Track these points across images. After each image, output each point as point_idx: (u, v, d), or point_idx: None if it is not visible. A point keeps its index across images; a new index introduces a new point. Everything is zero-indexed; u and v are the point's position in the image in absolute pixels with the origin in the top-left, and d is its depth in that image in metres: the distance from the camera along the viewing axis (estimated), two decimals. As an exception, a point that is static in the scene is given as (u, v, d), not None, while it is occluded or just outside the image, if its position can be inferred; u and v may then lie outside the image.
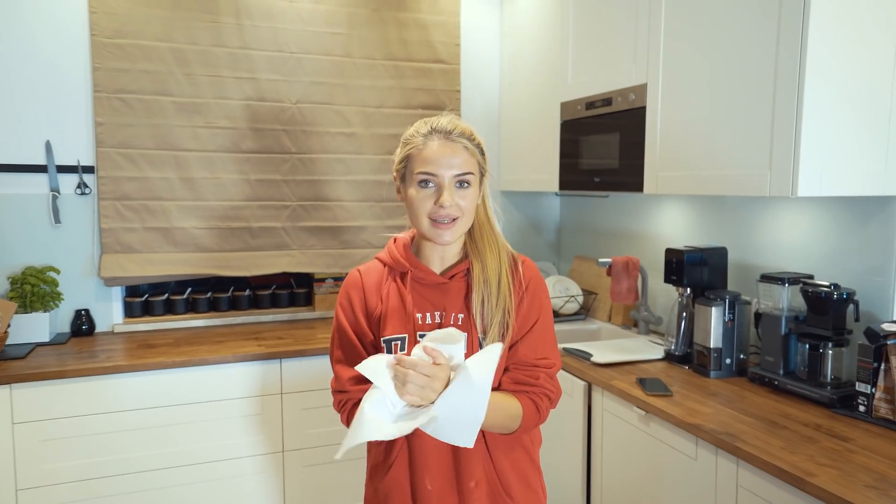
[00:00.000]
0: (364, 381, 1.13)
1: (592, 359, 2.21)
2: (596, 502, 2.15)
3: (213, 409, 2.36)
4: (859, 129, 1.67)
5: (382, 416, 1.05)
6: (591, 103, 2.44)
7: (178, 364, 2.30)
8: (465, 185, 1.22)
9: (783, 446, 1.54)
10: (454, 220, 1.21)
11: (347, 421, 1.23)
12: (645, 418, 1.89)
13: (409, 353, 1.09)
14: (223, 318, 2.87)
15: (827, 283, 1.82)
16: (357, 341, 1.26)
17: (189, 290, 2.90)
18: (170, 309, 2.84)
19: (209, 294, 2.89)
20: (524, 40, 2.95)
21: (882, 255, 1.81)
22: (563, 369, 2.26)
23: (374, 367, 1.05)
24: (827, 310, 1.81)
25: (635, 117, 2.20)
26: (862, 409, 1.72)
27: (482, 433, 1.22)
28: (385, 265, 1.31)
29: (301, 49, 2.80)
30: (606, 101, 2.35)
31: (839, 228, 1.93)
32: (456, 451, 1.23)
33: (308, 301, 3.05)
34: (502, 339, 1.22)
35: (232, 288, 2.96)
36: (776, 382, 1.93)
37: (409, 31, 2.96)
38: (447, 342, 1.07)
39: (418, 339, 1.19)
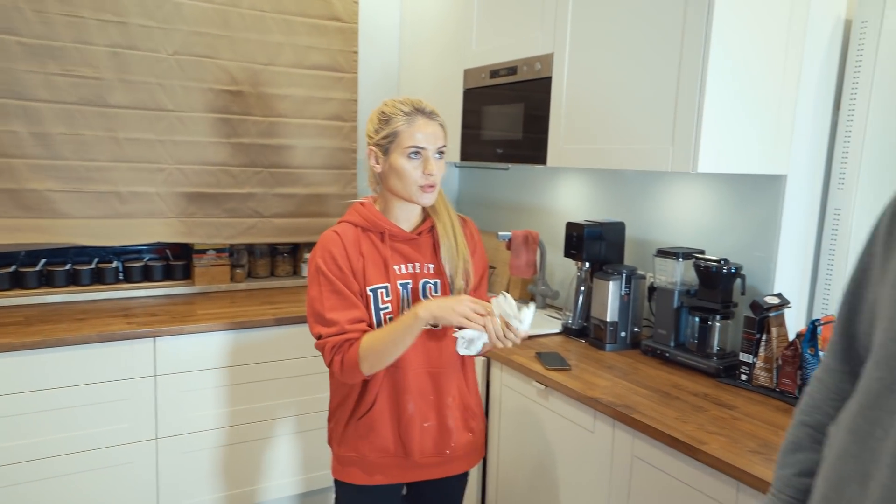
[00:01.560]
0: (359, 322, 1.43)
1: (492, 334, 2.22)
2: (492, 476, 2.18)
3: (73, 395, 2.13)
4: (754, 111, 1.76)
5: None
6: (495, 72, 2.41)
7: (29, 345, 2.05)
8: (441, 155, 1.50)
9: (676, 416, 1.61)
10: (433, 185, 1.48)
11: (341, 365, 1.42)
12: (544, 392, 1.92)
13: (393, 297, 1.48)
14: (85, 293, 2.59)
15: (717, 258, 1.92)
16: (347, 290, 1.45)
17: (43, 261, 2.60)
18: (18, 283, 2.53)
19: (68, 266, 2.60)
20: (427, 1, 2.87)
21: (766, 231, 1.92)
22: (463, 345, 2.26)
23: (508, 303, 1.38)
24: (716, 284, 1.91)
25: (541, 88, 2.20)
26: (744, 377, 1.83)
27: (461, 358, 1.57)
28: (357, 226, 1.51)
29: (179, -7, 2.56)
30: (511, 69, 2.33)
31: (729, 205, 2.04)
32: (434, 374, 1.52)
33: (186, 274, 2.84)
34: (465, 282, 1.55)
35: (96, 259, 2.69)
36: (667, 354, 2.02)
37: (302, -18, 2.79)
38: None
39: (398, 286, 1.49)
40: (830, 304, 1.91)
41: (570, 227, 2.25)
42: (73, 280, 2.61)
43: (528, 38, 2.26)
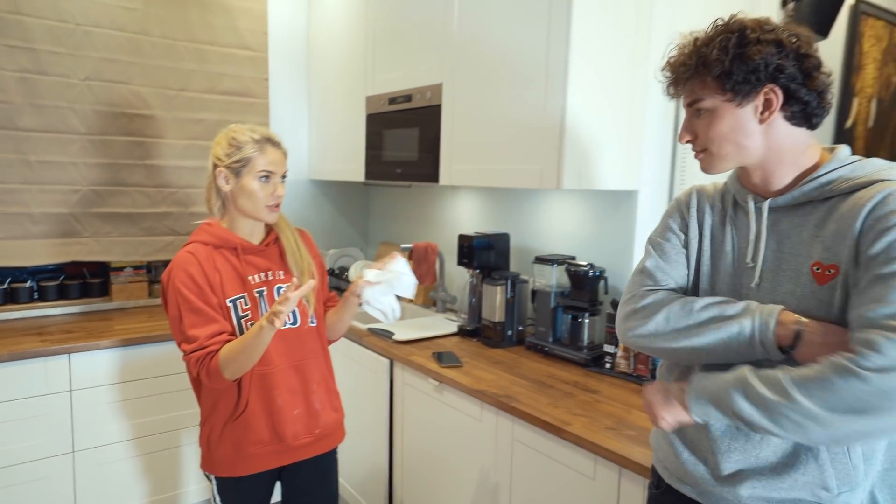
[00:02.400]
0: (218, 335, 1.47)
1: (394, 337, 2.30)
2: (397, 464, 2.25)
3: (-14, 412, 2.07)
4: (608, 138, 1.92)
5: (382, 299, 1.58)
6: (393, 98, 2.50)
7: (-62, 366, 1.97)
8: (285, 179, 1.60)
9: (549, 402, 1.74)
10: (279, 203, 1.58)
11: (207, 375, 1.46)
12: (439, 388, 2.01)
13: (252, 305, 1.55)
14: (-1, 312, 2.51)
15: (585, 263, 2.08)
16: (206, 306, 1.48)
17: (-47, 282, 2.49)
18: (-72, 305, 2.41)
19: (-21, 287, 2.50)
20: (331, 34, 2.93)
21: (624, 238, 2.10)
22: (369, 348, 2.32)
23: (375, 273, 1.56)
24: (584, 285, 2.07)
25: (432, 114, 2.31)
26: (608, 366, 1.99)
27: (321, 348, 1.68)
28: (208, 245, 1.55)
29: (89, 21, 2.51)
30: (407, 97, 2.43)
31: (594, 217, 2.21)
32: (297, 366, 1.60)
33: (104, 291, 2.77)
34: (312, 279, 1.59)
35: (9, 279, 2.59)
36: (546, 349, 2.16)
37: (213, 14, 2.79)
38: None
39: (255, 294, 1.55)
40: (680, 300, 2.10)
41: (462, 238, 2.37)
42: (-16, 301, 2.51)
43: (420, 69, 2.37)
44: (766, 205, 1.02)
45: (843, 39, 2.71)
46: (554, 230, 2.37)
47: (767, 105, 0.96)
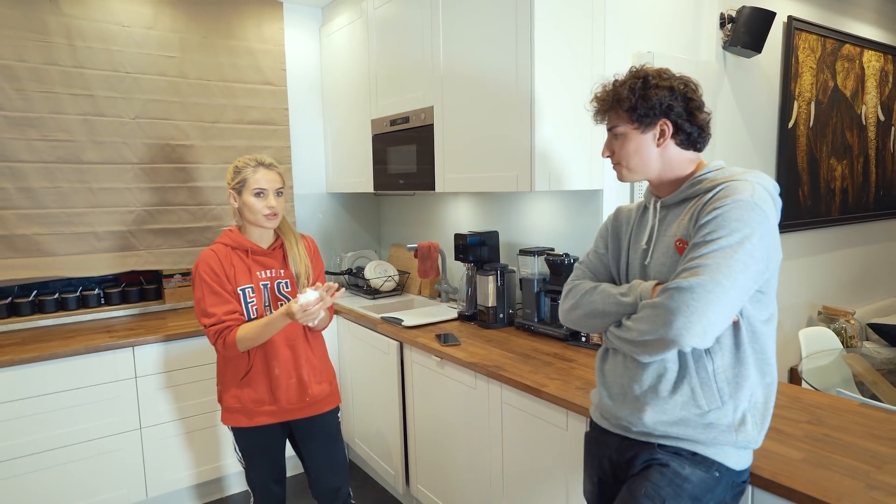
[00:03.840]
0: (233, 313, 1.71)
1: (403, 323, 2.44)
2: (411, 430, 2.39)
3: (67, 398, 2.25)
4: (572, 144, 2.05)
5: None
6: (394, 120, 2.65)
7: (27, 360, 2.16)
8: (280, 194, 1.80)
9: (531, 370, 1.86)
10: (275, 214, 1.78)
11: (224, 345, 1.71)
12: (441, 363, 2.15)
13: (257, 294, 1.76)
14: (72, 316, 2.70)
15: (561, 253, 2.20)
16: (222, 290, 1.72)
17: (35, 292, 2.68)
18: (14, 311, 2.61)
19: (56, 295, 2.69)
20: (340, 67, 3.09)
21: (594, 230, 2.21)
22: (383, 334, 2.47)
23: (306, 295, 1.62)
24: (561, 272, 2.19)
25: (426, 132, 2.45)
26: (584, 339, 2.12)
27: (305, 335, 1.86)
28: (227, 246, 1.78)
29: (136, 70, 2.70)
30: (405, 119, 2.58)
31: (568, 213, 2.33)
32: (291, 345, 1.82)
33: (158, 295, 2.96)
34: (308, 279, 1.86)
35: (80, 288, 2.79)
36: (532, 327, 2.29)
37: (239, 56, 2.97)
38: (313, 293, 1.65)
39: (260, 286, 1.77)
40: (642, 281, 2.22)
41: (458, 237, 2.50)
42: (61, 306, 2.70)
43: (415, 94, 2.51)
44: (658, 203, 1.23)
45: (780, 52, 2.82)
46: (535, 226, 2.50)
47: (662, 134, 1.18)
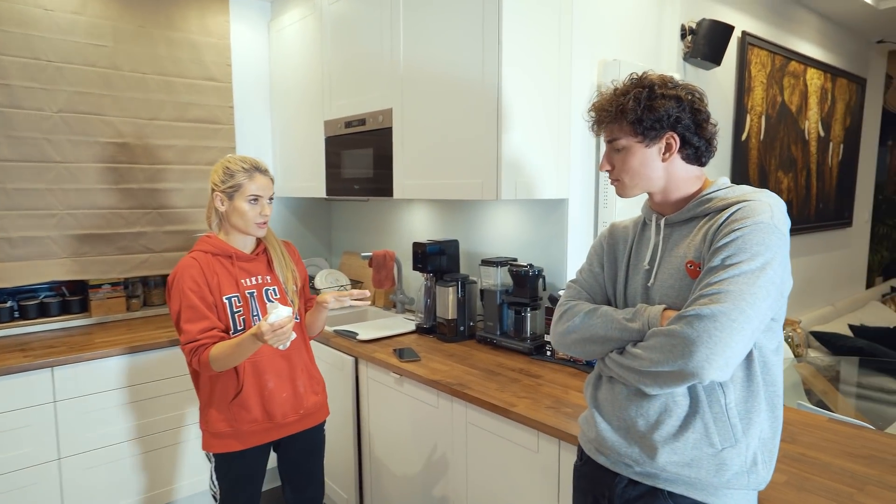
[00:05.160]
0: (209, 330, 1.58)
1: (358, 337, 2.31)
2: (366, 453, 2.26)
3: (-28, 427, 1.98)
4: (539, 153, 1.99)
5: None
6: (349, 122, 2.52)
7: (-78, 386, 1.88)
8: (272, 200, 1.71)
9: (497, 388, 1.78)
10: (267, 221, 1.70)
11: (198, 363, 1.57)
12: (399, 380, 2.04)
13: (244, 303, 1.66)
14: (-20, 332, 2.40)
15: (525, 264, 2.14)
16: (201, 304, 1.60)
17: (-66, 306, 2.37)
18: None
19: (-39, 309, 2.39)
20: (290, 64, 2.93)
21: (558, 240, 2.17)
22: (336, 348, 2.33)
23: (278, 312, 1.44)
24: (525, 283, 2.13)
25: (384, 135, 2.34)
26: (549, 353, 2.06)
27: (303, 341, 1.79)
28: (208, 253, 1.66)
29: (61, 58, 2.44)
30: (361, 121, 2.45)
31: (533, 223, 2.28)
32: (285, 355, 1.71)
33: (84, 308, 2.69)
34: (295, 285, 1.77)
35: (-10, 301, 2.49)
36: (494, 341, 2.21)
37: (180, 49, 2.75)
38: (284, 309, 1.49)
39: (246, 294, 1.67)
40: (607, 293, 2.18)
41: (416, 245, 2.40)
42: (-34, 322, 2.40)
43: (372, 95, 2.39)
44: (662, 221, 1.15)
45: (734, 66, 2.88)
46: (498, 235, 2.43)
47: (668, 148, 1.10)
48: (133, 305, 2.78)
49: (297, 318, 1.74)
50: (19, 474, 2.08)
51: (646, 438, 1.07)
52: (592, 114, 1.16)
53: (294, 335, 1.50)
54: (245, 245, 1.73)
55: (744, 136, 3.00)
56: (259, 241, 1.77)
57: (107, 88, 2.57)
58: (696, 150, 1.10)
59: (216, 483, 1.71)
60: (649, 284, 1.13)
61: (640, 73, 1.13)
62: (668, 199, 1.14)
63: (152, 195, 2.73)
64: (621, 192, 1.16)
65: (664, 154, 1.10)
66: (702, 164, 1.13)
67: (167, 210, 2.77)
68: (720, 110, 2.85)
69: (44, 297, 2.59)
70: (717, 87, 2.80)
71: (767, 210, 0.99)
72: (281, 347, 1.47)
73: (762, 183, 3.20)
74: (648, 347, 1.02)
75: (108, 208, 2.62)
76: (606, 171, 1.17)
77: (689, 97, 1.09)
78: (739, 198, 1.05)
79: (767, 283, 0.95)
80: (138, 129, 2.67)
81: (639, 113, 1.07)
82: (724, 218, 1.02)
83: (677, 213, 1.12)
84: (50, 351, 2.22)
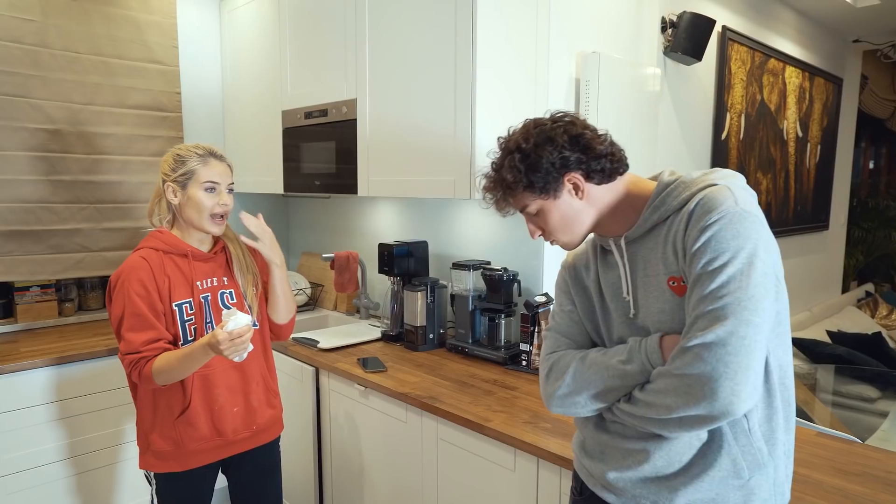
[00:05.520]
0: (155, 342, 1.48)
1: (319, 345, 2.24)
2: (327, 470, 2.19)
3: None
4: (515, 146, 1.96)
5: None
6: (309, 113, 2.44)
7: None
8: (232, 191, 1.61)
9: (470, 401, 1.74)
10: (225, 216, 1.59)
11: (139, 376, 1.48)
12: (364, 393, 1.98)
13: (197, 310, 1.56)
14: None
15: (499, 268, 2.10)
16: (148, 311, 1.49)
17: None
18: None
19: None
20: (244, 48, 2.82)
21: (536, 243, 2.15)
22: (294, 357, 2.25)
23: (237, 320, 1.36)
24: (500, 288, 2.09)
25: (348, 128, 2.27)
26: (524, 363, 2.03)
27: (262, 349, 1.70)
28: (160, 251, 1.55)
29: (-19, 33, 2.29)
30: (323, 112, 2.37)
31: (507, 223, 2.24)
32: (239, 366, 1.61)
33: (8, 313, 2.52)
34: (255, 288, 1.67)
35: None
36: (466, 349, 2.17)
37: (119, 27, 2.61)
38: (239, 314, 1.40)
39: (200, 299, 1.57)
40: (585, 298, 2.16)
41: (382, 247, 2.34)
42: None
43: (335, 85, 2.32)
44: (622, 241, 1.07)
45: (714, 62, 2.92)
46: (470, 237, 2.39)
47: (576, 188, 1.04)
48: (66, 310, 2.63)
49: (256, 325, 1.64)
50: (-70, 503, 1.93)
51: (664, 480, 1.00)
52: (490, 198, 1.10)
53: (251, 346, 1.42)
54: (201, 242, 1.63)
55: (723, 135, 3.05)
56: (217, 238, 1.67)
57: (35, 68, 2.41)
58: (603, 170, 1.03)
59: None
60: (632, 315, 1.06)
61: (505, 135, 1.09)
62: (614, 220, 1.08)
63: (89, 188, 2.58)
64: (567, 246, 1.10)
65: (576, 194, 1.04)
66: (621, 174, 1.06)
67: (105, 205, 2.63)
68: (700, 108, 2.88)
69: (-39, 302, 2.42)
70: (697, 83, 2.82)
71: (728, 195, 0.94)
72: (237, 359, 1.38)
73: (741, 183, 3.25)
74: (661, 392, 0.93)
75: (37, 202, 2.47)
76: (540, 236, 1.11)
77: (560, 130, 1.02)
78: (693, 188, 0.99)
79: (761, 277, 0.89)
80: (72, 115, 2.52)
81: (524, 180, 1.02)
82: (685, 218, 0.97)
83: (634, 229, 1.05)
84: (-33, 363, 2.06)
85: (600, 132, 1.05)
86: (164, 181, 1.57)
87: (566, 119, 1.04)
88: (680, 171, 1.07)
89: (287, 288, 1.72)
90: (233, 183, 1.62)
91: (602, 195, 1.06)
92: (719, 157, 3.02)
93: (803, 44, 3.74)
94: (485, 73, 1.83)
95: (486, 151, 1.84)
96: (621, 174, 1.06)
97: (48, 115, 2.46)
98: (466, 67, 1.83)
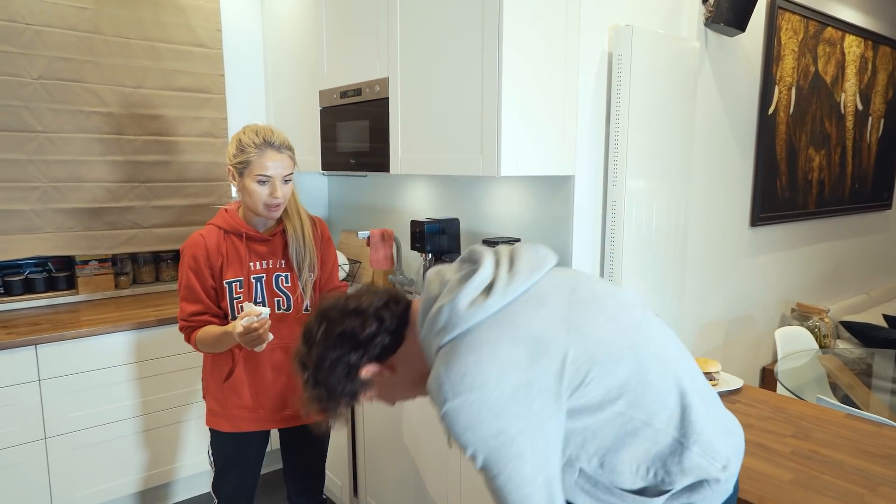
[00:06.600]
0: (201, 314, 1.61)
1: (352, 319, 2.31)
2: (360, 438, 2.28)
3: (-47, 406, 2.03)
4: (543, 127, 1.96)
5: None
6: (344, 92, 2.50)
7: None
8: (288, 181, 1.62)
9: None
10: (279, 205, 1.61)
11: (186, 340, 1.65)
12: (393, 365, 2.05)
13: (246, 289, 1.62)
14: (-37, 309, 2.45)
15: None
16: (198, 286, 1.60)
17: (-84, 281, 2.42)
18: None
19: (-57, 284, 2.44)
20: (284, 30, 2.90)
21: (564, 219, 2.14)
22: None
23: (252, 316, 1.45)
24: (528, 265, 2.11)
25: (381, 106, 2.31)
26: (551, 340, 2.04)
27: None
28: (221, 229, 1.63)
29: (39, 21, 2.44)
30: (357, 91, 2.42)
31: (536, 200, 2.25)
32: (286, 347, 1.66)
33: (71, 285, 2.72)
34: (311, 273, 1.69)
35: (-27, 276, 2.53)
36: (494, 326, 2.20)
37: (166, 13, 2.73)
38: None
39: (251, 279, 1.63)
40: (615, 274, 2.16)
41: (414, 224, 2.39)
42: (-52, 298, 2.45)
43: (368, 64, 2.36)
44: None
45: (762, 33, 2.79)
46: (500, 214, 2.41)
47: (378, 373, 0.99)
48: (122, 283, 2.81)
49: (307, 310, 1.68)
50: (4, 453, 2.13)
51: None
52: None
53: (271, 337, 1.50)
54: (263, 223, 1.67)
55: (771, 110, 2.93)
56: (280, 218, 1.69)
57: (89, 54, 2.56)
58: (385, 347, 0.97)
59: (212, 458, 1.77)
60: None
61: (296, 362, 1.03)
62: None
63: (139, 168, 2.74)
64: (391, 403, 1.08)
65: (381, 375, 0.99)
66: (405, 338, 0.99)
67: (155, 184, 2.78)
68: (745, 82, 2.77)
69: (28, 273, 2.63)
70: (742, 56, 2.72)
71: (436, 385, 0.85)
72: (257, 349, 1.49)
73: (791, 161, 3.12)
74: None
75: (93, 181, 2.64)
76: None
77: (328, 344, 0.96)
78: (430, 354, 0.92)
79: (509, 463, 0.81)
80: (123, 98, 2.67)
81: (328, 400, 0.97)
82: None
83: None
84: (34, 329, 2.25)
85: (368, 313, 0.97)
86: (228, 163, 1.62)
87: (330, 322, 0.98)
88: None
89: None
90: (291, 174, 1.62)
91: (409, 358, 0.99)
92: (766, 134, 2.91)
93: (867, 10, 3.52)
94: (511, 54, 1.83)
95: (511, 130, 1.85)
96: (405, 337, 0.99)
97: (102, 98, 2.61)
98: (493, 47, 1.84)
